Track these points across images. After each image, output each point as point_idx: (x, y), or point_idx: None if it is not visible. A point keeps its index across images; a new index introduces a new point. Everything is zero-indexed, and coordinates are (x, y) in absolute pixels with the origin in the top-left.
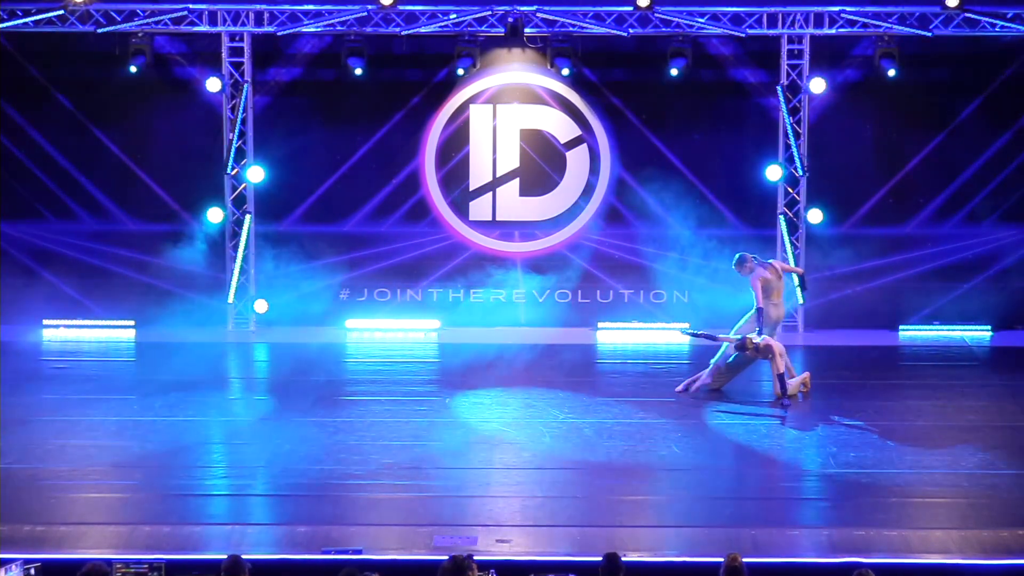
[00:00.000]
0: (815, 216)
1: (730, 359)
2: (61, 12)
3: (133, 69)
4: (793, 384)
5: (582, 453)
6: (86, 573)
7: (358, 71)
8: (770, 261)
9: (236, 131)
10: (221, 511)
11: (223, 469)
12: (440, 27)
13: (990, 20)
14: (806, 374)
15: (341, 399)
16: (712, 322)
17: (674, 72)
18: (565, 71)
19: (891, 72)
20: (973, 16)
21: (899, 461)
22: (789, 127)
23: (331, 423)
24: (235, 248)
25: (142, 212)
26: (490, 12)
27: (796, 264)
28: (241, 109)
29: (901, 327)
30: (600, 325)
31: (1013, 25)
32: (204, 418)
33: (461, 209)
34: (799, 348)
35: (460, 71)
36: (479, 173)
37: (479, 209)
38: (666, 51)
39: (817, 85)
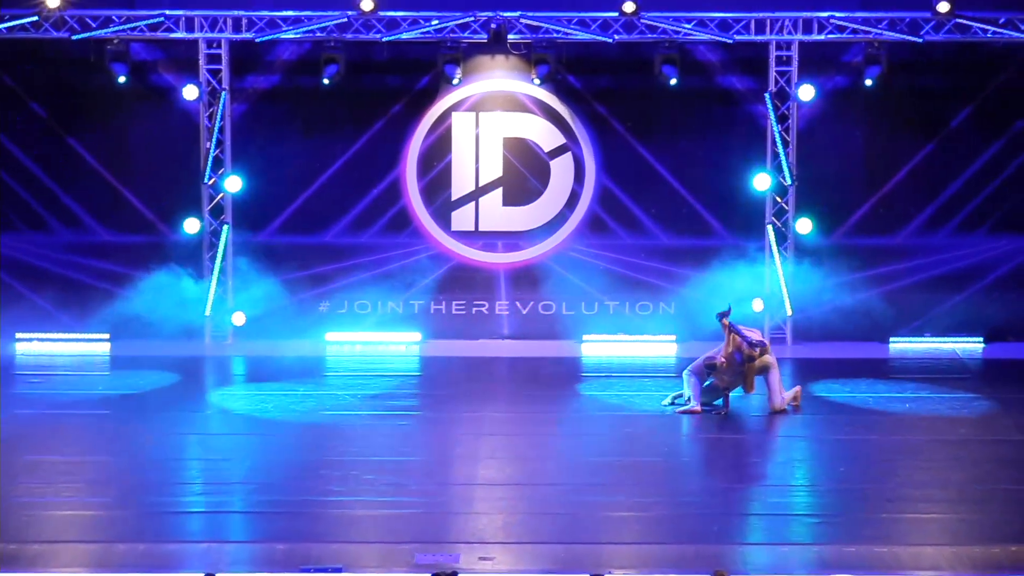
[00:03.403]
0: (804, 226)
1: (707, 383)
2: (35, 19)
3: (122, 79)
4: (785, 398)
5: (566, 468)
6: None
7: (325, 81)
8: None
9: (213, 140)
10: (198, 528)
11: (200, 486)
12: (422, 33)
13: (981, 26)
14: (797, 388)
15: (320, 413)
16: (697, 333)
17: (673, 81)
18: (536, 80)
19: (881, 79)
20: (964, 22)
21: (889, 476)
22: (777, 135)
23: (310, 438)
24: (212, 259)
25: (117, 223)
26: (473, 18)
27: (782, 274)
28: (219, 117)
29: (891, 339)
30: (585, 337)
31: (1005, 31)
32: (180, 433)
33: (443, 219)
34: (788, 360)
35: (455, 80)
36: (461, 182)
37: (462, 219)
38: (652, 58)
39: (806, 92)
